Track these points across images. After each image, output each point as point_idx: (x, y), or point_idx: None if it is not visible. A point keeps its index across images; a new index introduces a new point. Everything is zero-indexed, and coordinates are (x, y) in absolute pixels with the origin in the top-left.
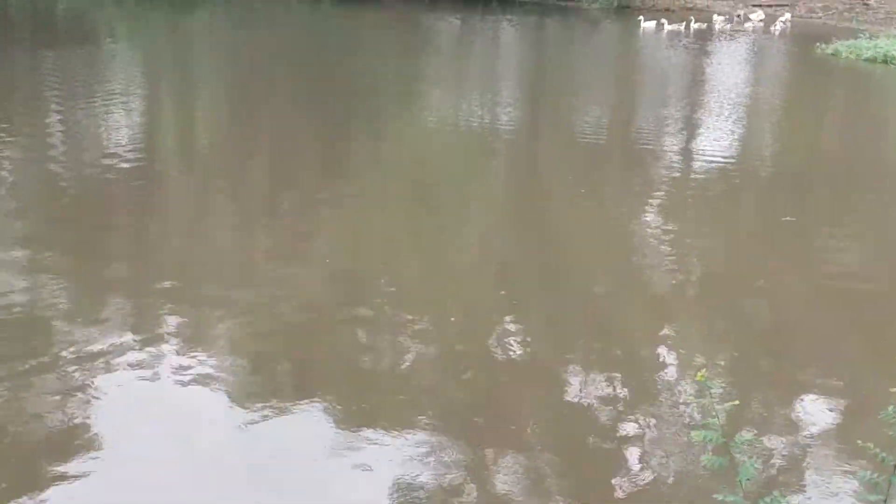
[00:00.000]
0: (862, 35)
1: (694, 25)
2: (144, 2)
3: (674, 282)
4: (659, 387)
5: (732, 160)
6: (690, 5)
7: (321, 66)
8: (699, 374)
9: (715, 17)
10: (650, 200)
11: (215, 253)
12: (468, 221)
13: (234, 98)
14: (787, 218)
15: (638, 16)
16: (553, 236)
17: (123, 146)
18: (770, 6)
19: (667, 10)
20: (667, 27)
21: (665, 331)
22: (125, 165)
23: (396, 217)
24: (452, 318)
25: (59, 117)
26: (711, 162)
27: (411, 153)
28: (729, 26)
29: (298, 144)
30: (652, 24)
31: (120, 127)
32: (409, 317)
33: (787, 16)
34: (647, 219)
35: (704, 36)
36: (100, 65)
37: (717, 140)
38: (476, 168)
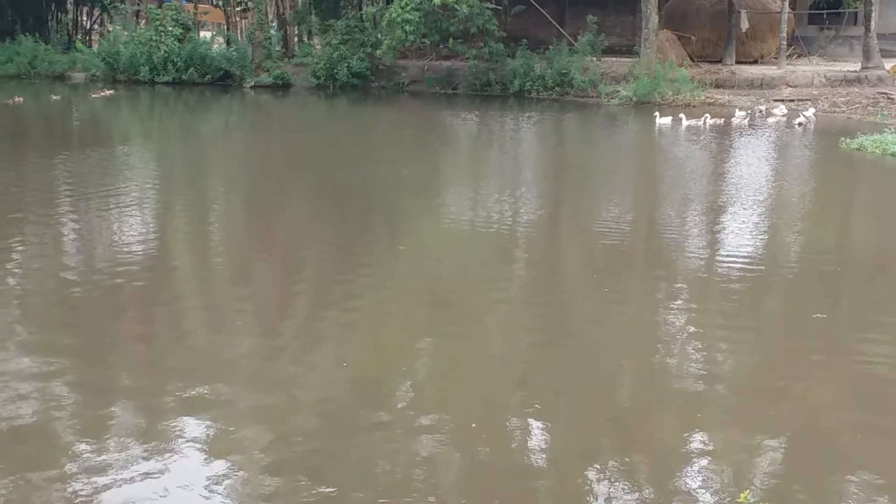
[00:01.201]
0: (888, 129)
1: (710, 121)
2: (157, 104)
3: (702, 386)
4: None
5: (758, 258)
6: (711, 100)
7: (338, 167)
8: (742, 496)
9: (736, 112)
10: (675, 301)
11: (228, 356)
12: (488, 323)
13: (250, 199)
14: (818, 315)
15: (654, 111)
16: (576, 338)
17: (134, 248)
18: (792, 101)
19: (687, 105)
20: (685, 122)
21: (696, 441)
22: (135, 268)
23: (415, 319)
24: (473, 424)
25: (68, 220)
26: (737, 260)
27: (430, 253)
28: (747, 121)
29: (316, 245)
30: (668, 119)
31: (131, 228)
32: (429, 422)
33: (811, 111)
34: (673, 320)
35: (724, 131)
36: (112, 167)
37: (741, 238)
38: (496, 268)
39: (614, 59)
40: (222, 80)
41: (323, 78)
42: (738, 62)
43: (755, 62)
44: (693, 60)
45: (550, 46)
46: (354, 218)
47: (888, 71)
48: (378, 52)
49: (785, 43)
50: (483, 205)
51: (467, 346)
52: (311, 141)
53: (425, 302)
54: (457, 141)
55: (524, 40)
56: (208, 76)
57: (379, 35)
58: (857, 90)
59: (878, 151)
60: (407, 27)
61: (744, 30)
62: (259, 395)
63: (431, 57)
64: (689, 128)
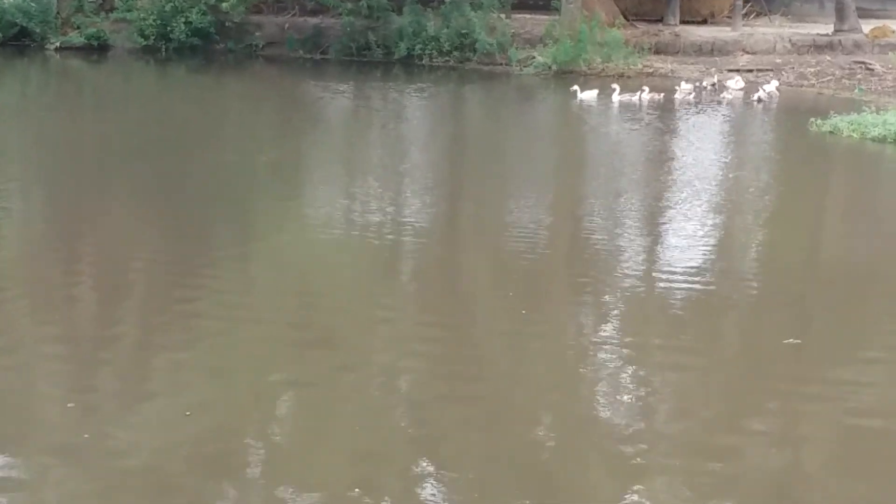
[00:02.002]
0: (867, 108)
1: (648, 96)
2: None
3: (643, 425)
4: None
5: (712, 269)
6: (650, 70)
7: (172, 155)
8: None
9: (681, 85)
10: (608, 322)
11: (24, 400)
12: (370, 359)
13: (54, 199)
14: (790, 340)
15: (575, 84)
16: (482, 368)
17: None
18: (750, 71)
19: (620, 75)
20: (616, 98)
21: (633, 493)
22: None
23: (274, 350)
24: (357, 489)
25: None
26: (685, 272)
27: (292, 266)
28: (692, 96)
29: (144, 258)
30: (593, 94)
31: None
32: (292, 490)
33: (773, 84)
34: (606, 346)
35: (665, 109)
36: None
37: (690, 244)
38: (379, 281)
39: (528, 15)
40: (17, 40)
41: (152, 38)
42: (683, 22)
43: (704, 22)
44: (627, 19)
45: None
46: (194, 221)
47: (866, 35)
48: (224, 4)
49: None
50: (360, 203)
51: (344, 389)
52: (136, 122)
53: (288, 330)
54: (326, 121)
55: None
56: None
57: None
58: (829, 58)
59: (855, 135)
60: None
61: None
62: (63, 457)
63: (293, 12)
64: (621, 104)
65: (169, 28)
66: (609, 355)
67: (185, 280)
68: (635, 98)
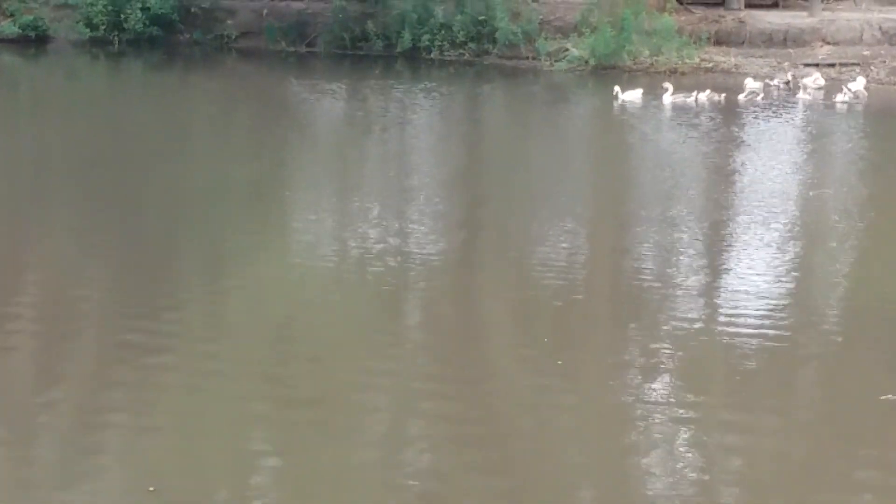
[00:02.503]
0: None
1: (706, 97)
2: None
3: None
4: None
5: (787, 313)
6: (710, 64)
7: (129, 169)
8: None
9: (748, 83)
10: (660, 375)
11: None
12: (362, 413)
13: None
14: (888, 396)
15: (617, 83)
16: (504, 435)
17: None
18: (832, 65)
19: (673, 71)
20: (668, 100)
21: None
22: None
23: (250, 411)
24: None
25: None
26: (754, 316)
27: (271, 304)
28: (759, 97)
29: (90, 295)
30: (637, 95)
31: None
32: None
33: (860, 82)
34: (660, 404)
35: (728, 114)
36: None
37: (760, 283)
38: (376, 326)
39: None
40: None
41: (102, 28)
42: (749, 5)
43: (775, 5)
44: (681, 3)
45: None
46: (155, 253)
47: None
48: None
49: None
50: (355, 231)
51: (331, 460)
52: (83, 131)
53: (267, 386)
54: (313, 130)
55: None
56: None
57: None
58: None
59: None
60: None
61: None
62: None
63: None
64: (674, 107)
65: (122, 16)
66: (663, 420)
67: (144, 325)
68: (691, 99)
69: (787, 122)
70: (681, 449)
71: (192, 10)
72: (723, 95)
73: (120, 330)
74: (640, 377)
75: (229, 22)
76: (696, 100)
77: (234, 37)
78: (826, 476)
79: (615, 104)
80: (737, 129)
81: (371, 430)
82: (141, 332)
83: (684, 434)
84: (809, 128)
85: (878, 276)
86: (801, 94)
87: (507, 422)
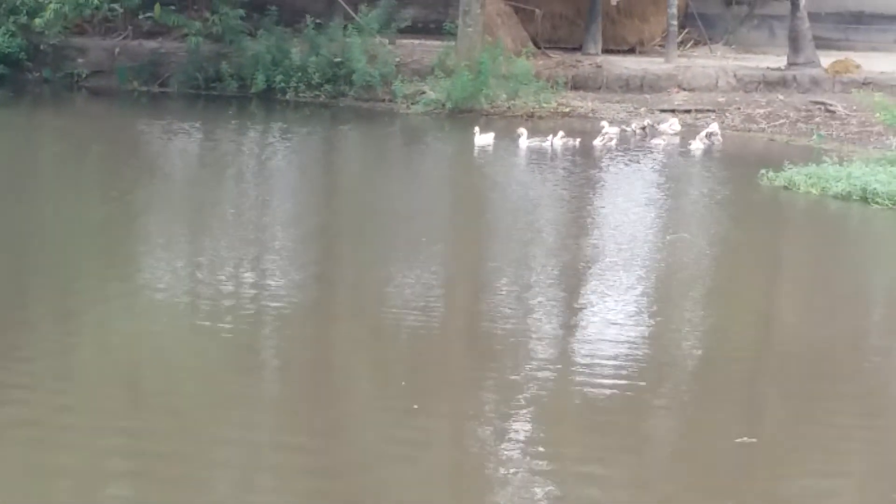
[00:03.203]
0: (827, 158)
1: (560, 141)
2: None
3: None
4: None
5: (643, 356)
6: (567, 109)
7: None
8: None
9: (604, 127)
10: (515, 418)
11: None
12: (206, 469)
13: None
14: (744, 439)
15: (476, 126)
16: (362, 483)
17: None
18: (688, 111)
19: (530, 115)
20: (523, 143)
21: None
22: None
23: (105, 464)
24: None
25: None
26: (609, 361)
27: (126, 352)
28: (614, 143)
29: None
30: (489, 138)
31: None
32: None
33: (714, 127)
34: (514, 449)
35: (584, 157)
36: None
37: (615, 327)
38: (228, 379)
39: (417, 41)
40: None
41: None
42: (606, 51)
43: (632, 51)
44: (539, 47)
45: (314, 20)
46: None
47: (826, 70)
48: (38, 21)
49: (676, 24)
50: (208, 275)
51: None
52: None
53: (122, 441)
54: (164, 170)
55: (273, 8)
56: None
57: None
58: (781, 97)
59: (814, 191)
60: None
61: (614, 3)
62: None
63: (125, 34)
64: (530, 151)
65: None
66: (515, 450)
67: None
68: (546, 143)
69: (644, 166)
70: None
71: (41, 47)
72: (577, 140)
73: None
74: (494, 416)
75: (80, 60)
76: (552, 144)
77: (84, 75)
78: None
79: (476, 146)
80: (593, 173)
81: (223, 484)
82: None
83: (540, 487)
84: (665, 172)
85: (731, 321)
86: (656, 140)
87: (360, 474)
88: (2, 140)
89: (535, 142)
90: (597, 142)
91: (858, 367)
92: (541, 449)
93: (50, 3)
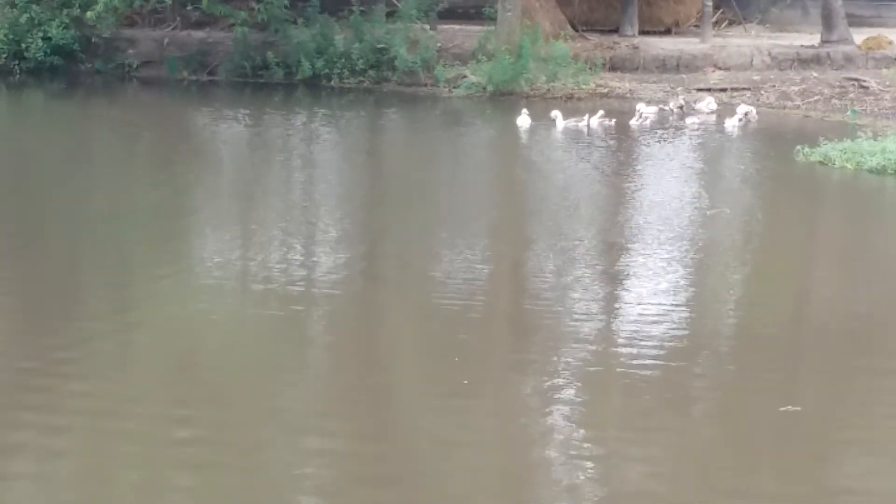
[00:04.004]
0: (862, 133)
1: (597, 121)
2: None
3: None
4: None
5: (686, 326)
6: (605, 90)
7: (25, 198)
8: None
9: (641, 107)
10: (562, 396)
11: None
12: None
13: None
14: (788, 407)
15: (523, 107)
16: (404, 467)
17: None
18: (724, 90)
19: (570, 97)
20: (559, 124)
21: None
22: None
23: (158, 449)
24: None
25: None
26: (652, 336)
27: (179, 338)
28: (647, 122)
29: None
30: (527, 120)
31: None
32: None
33: (750, 108)
34: (563, 431)
35: (623, 137)
36: None
37: (658, 302)
38: (282, 359)
39: (458, 26)
40: None
41: (3, 56)
42: (643, 32)
43: (668, 32)
44: (576, 30)
45: (357, 8)
46: (54, 279)
47: (859, 46)
48: (90, 14)
49: (710, 4)
50: (259, 262)
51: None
52: None
53: (172, 429)
54: (214, 157)
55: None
56: None
57: None
58: (815, 75)
59: (849, 166)
60: None
61: None
62: None
63: (174, 24)
64: (566, 132)
65: (24, 44)
66: (564, 431)
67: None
68: (583, 124)
69: (681, 144)
70: (580, 476)
71: (93, 39)
72: (613, 120)
73: (22, 359)
74: (539, 397)
75: (130, 51)
76: (588, 124)
77: (135, 66)
78: (727, 486)
79: (519, 128)
80: (630, 152)
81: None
82: (41, 374)
83: (587, 466)
84: (702, 150)
85: (772, 295)
86: (693, 118)
87: (401, 457)
88: (59, 129)
89: (572, 122)
90: (633, 122)
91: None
92: (587, 427)
93: None
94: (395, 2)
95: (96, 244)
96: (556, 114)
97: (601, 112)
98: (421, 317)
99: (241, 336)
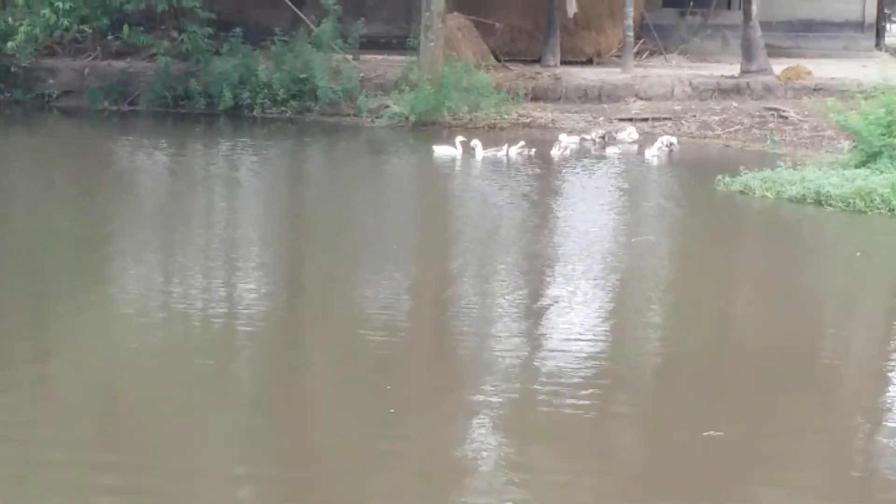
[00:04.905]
0: (781, 162)
1: (517, 151)
2: None
3: None
4: None
5: (608, 358)
6: (527, 119)
7: None
8: None
9: (561, 137)
10: (479, 414)
11: None
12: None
13: None
14: (711, 432)
15: (447, 135)
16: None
17: None
18: (645, 119)
19: (492, 127)
20: (478, 153)
21: None
22: None
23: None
24: None
25: None
26: (574, 363)
27: (101, 374)
28: (567, 152)
29: None
30: (448, 149)
31: None
32: None
33: (671, 138)
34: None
35: (545, 166)
36: None
37: (578, 329)
38: (204, 388)
39: (381, 56)
40: None
41: None
42: (564, 62)
43: (589, 62)
44: (499, 59)
45: (279, 38)
46: None
47: (778, 77)
48: (10, 44)
49: (632, 35)
50: (179, 288)
51: None
52: None
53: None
54: (134, 186)
55: (237, 28)
56: None
57: (10, 18)
58: (735, 104)
59: (770, 195)
60: (58, 4)
61: (571, 15)
62: None
63: (94, 54)
64: (485, 161)
65: None
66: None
67: None
68: (502, 153)
69: (602, 174)
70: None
71: (12, 69)
72: (533, 150)
73: None
74: (456, 416)
75: (50, 81)
76: (507, 154)
77: (55, 96)
78: None
79: (446, 156)
80: (551, 181)
81: None
82: None
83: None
84: (623, 179)
85: (693, 320)
86: (610, 150)
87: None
88: None
89: (491, 152)
90: (554, 151)
91: (814, 364)
92: (512, 458)
93: (21, 25)
94: (315, 30)
95: (14, 274)
96: (475, 143)
97: (521, 143)
98: (341, 348)
99: (160, 374)
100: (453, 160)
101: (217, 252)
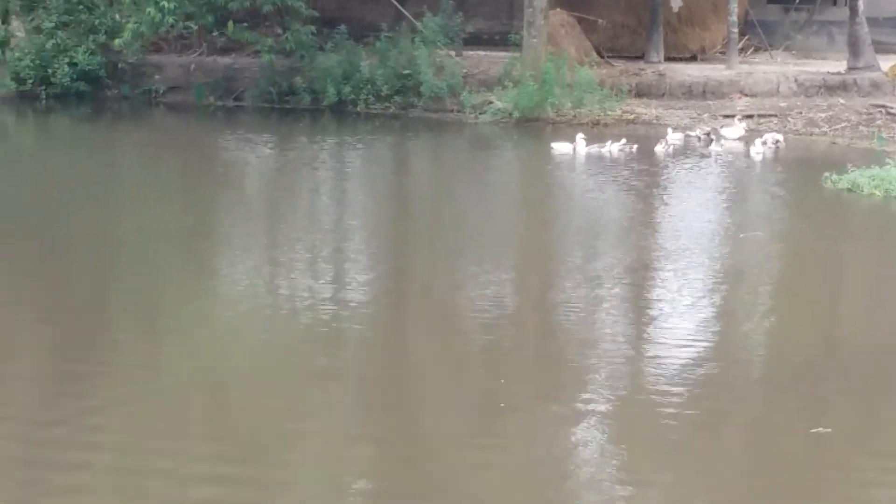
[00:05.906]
0: (890, 160)
1: (619, 148)
2: None
3: None
4: None
5: (717, 356)
6: (631, 116)
7: (49, 224)
8: None
9: (668, 133)
10: (604, 420)
11: None
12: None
13: None
14: (819, 429)
15: (551, 131)
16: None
17: None
18: (750, 116)
19: (596, 123)
20: (581, 149)
21: None
22: None
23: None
24: None
25: None
26: (680, 360)
27: (209, 361)
28: (671, 148)
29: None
30: (567, 146)
31: None
32: None
33: (777, 135)
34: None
35: (648, 163)
36: None
37: (686, 325)
38: (308, 381)
39: (483, 52)
40: None
41: (30, 82)
42: (668, 59)
43: (693, 59)
44: (602, 56)
45: (383, 34)
46: (81, 300)
47: (885, 73)
48: (117, 41)
49: (736, 31)
50: (286, 280)
51: None
52: (9, 183)
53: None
54: (241, 180)
55: (342, 25)
56: None
57: (117, 15)
58: (842, 101)
59: (878, 193)
60: (163, 3)
61: (675, 10)
62: None
63: (200, 50)
64: (590, 156)
65: (50, 69)
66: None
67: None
68: (605, 149)
69: (706, 171)
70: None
71: (120, 65)
72: (635, 146)
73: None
74: (583, 420)
75: (157, 77)
76: (610, 150)
77: (161, 91)
78: None
79: (550, 156)
80: (656, 179)
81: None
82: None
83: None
84: (730, 176)
85: (801, 330)
86: (714, 147)
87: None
88: (86, 154)
89: (595, 147)
90: (658, 147)
91: None
92: (618, 457)
93: (128, 23)
94: (420, 27)
95: (125, 263)
96: (580, 137)
97: (623, 140)
98: (446, 347)
99: (271, 355)
100: (568, 156)
101: (324, 248)
